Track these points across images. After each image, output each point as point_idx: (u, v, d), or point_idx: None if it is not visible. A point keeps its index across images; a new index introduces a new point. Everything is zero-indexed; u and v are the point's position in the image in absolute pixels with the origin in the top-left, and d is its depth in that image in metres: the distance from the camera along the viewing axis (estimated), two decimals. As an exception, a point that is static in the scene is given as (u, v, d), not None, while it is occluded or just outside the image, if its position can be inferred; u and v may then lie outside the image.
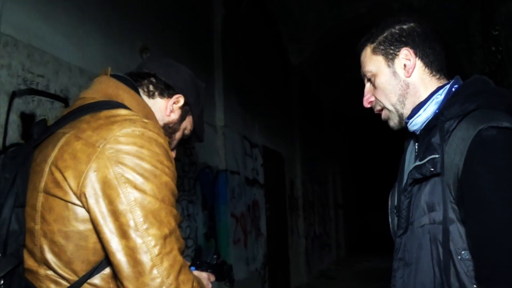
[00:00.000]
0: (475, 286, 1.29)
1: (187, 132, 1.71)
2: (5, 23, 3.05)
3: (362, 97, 1.68)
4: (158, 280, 1.20)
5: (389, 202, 1.69)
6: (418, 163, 1.45)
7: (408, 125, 1.57)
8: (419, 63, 1.55)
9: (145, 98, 1.57)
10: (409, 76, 1.54)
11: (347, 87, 12.83)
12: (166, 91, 1.61)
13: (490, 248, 1.26)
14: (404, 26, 1.56)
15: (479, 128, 1.30)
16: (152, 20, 5.04)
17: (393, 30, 1.57)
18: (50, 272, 1.27)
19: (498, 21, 6.25)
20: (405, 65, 1.54)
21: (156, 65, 1.65)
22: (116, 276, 1.24)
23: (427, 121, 1.50)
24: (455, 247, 1.33)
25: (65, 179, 1.24)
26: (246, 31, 7.73)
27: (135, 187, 1.23)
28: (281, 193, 9.58)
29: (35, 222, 1.27)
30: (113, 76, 1.53)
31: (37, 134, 1.42)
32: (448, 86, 1.51)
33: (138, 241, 1.20)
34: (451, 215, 1.34)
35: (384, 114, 1.63)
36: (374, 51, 1.59)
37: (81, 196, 1.23)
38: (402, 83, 1.55)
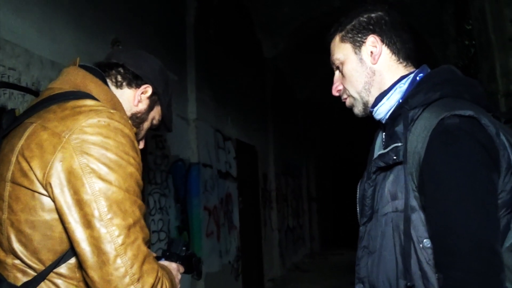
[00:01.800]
0: (437, 275, 1.27)
1: (155, 122, 1.72)
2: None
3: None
4: (122, 270, 1.20)
5: (358, 192, 1.67)
6: (381, 151, 1.47)
7: (373, 114, 1.57)
8: (385, 50, 1.55)
9: (113, 88, 1.57)
10: (376, 63, 1.54)
11: (322, 81, 12.85)
12: (134, 81, 1.61)
13: (448, 236, 1.25)
14: (372, 15, 1.57)
15: (442, 116, 1.29)
16: (125, 13, 5.00)
17: (361, 18, 1.57)
18: (17, 262, 1.28)
19: (472, 15, 6.32)
20: (371, 52, 1.55)
21: (124, 55, 1.64)
22: (81, 265, 1.24)
23: (391, 110, 1.51)
24: (416, 235, 1.32)
25: (31, 169, 1.25)
26: (219, 24, 7.71)
27: (100, 177, 1.23)
28: (254, 186, 9.61)
29: (3, 211, 1.28)
30: (81, 66, 1.53)
31: (6, 124, 1.42)
32: (412, 75, 1.52)
33: (102, 230, 1.21)
34: (413, 203, 1.34)
35: (348, 102, 1.63)
36: (342, 39, 1.60)
37: (47, 186, 1.23)
38: (368, 70, 1.55)
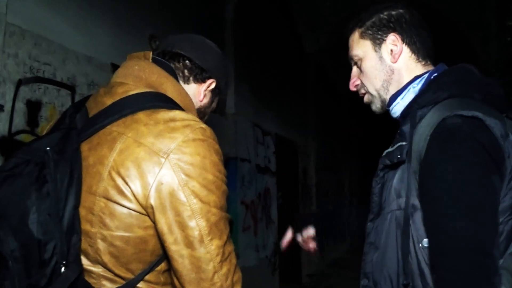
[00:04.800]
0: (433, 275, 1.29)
1: (212, 110, 1.72)
2: (11, 13, 3.11)
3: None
4: (218, 284, 1.28)
5: (372, 188, 1.66)
6: (389, 149, 1.47)
7: (390, 112, 1.58)
8: (405, 49, 1.55)
9: (180, 83, 1.54)
10: (395, 62, 1.54)
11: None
12: (200, 75, 1.58)
13: (440, 236, 1.25)
14: (393, 12, 1.56)
15: (444, 116, 1.28)
16: (161, 8, 5.05)
17: (381, 15, 1.57)
18: (105, 271, 1.30)
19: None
20: (391, 51, 1.55)
21: (188, 45, 1.60)
22: (177, 277, 1.30)
23: (404, 109, 1.51)
24: (417, 234, 1.32)
25: (130, 188, 1.25)
26: (259, 19, 7.72)
27: (201, 199, 1.26)
28: (294, 181, 9.60)
29: (92, 225, 1.27)
30: (153, 60, 1.51)
31: (80, 124, 1.38)
32: (426, 75, 1.51)
33: (203, 251, 1.26)
34: (416, 202, 1.33)
35: (366, 98, 1.65)
36: (362, 36, 1.59)
37: (147, 207, 1.25)
38: (387, 69, 1.56)
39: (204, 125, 1.34)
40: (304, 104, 10.40)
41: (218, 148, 1.35)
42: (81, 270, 1.26)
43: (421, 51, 1.55)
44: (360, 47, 1.60)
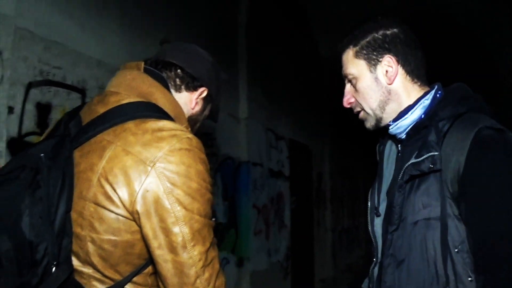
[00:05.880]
0: (470, 278, 1.38)
1: (205, 118, 1.77)
2: (21, 17, 3.16)
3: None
4: None
5: (369, 203, 1.76)
6: (415, 160, 1.49)
7: (390, 128, 1.61)
8: (401, 70, 1.59)
9: (172, 91, 1.60)
10: (391, 83, 1.59)
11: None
12: (192, 84, 1.63)
13: (493, 240, 1.35)
14: (387, 32, 1.59)
15: (478, 128, 1.39)
16: (173, 12, 5.08)
17: (376, 35, 1.59)
18: (95, 272, 1.35)
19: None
20: (387, 71, 1.58)
21: (180, 55, 1.65)
22: (161, 281, 1.36)
23: (413, 123, 1.56)
24: (452, 240, 1.40)
25: (117, 195, 1.31)
26: (272, 23, 7.72)
27: (184, 206, 1.32)
28: (308, 186, 9.58)
29: (82, 228, 1.33)
30: (145, 70, 1.56)
31: (74, 131, 1.44)
32: (433, 92, 1.58)
33: (185, 256, 1.32)
34: (449, 210, 1.41)
35: (361, 115, 1.68)
36: (357, 55, 1.62)
37: (134, 213, 1.31)
38: (383, 90, 1.60)
39: (190, 135, 1.39)
40: (319, 109, 10.37)
41: (204, 157, 1.40)
42: (72, 270, 1.32)
43: (415, 71, 1.60)
44: (355, 66, 1.63)
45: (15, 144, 3.10)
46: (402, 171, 1.53)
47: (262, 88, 7.16)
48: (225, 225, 6.03)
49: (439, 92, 1.58)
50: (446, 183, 1.42)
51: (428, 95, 1.57)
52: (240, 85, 6.62)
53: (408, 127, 1.58)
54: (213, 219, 1.72)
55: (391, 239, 1.56)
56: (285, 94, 8.23)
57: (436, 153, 1.43)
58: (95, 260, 1.34)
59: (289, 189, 8.30)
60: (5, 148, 3.04)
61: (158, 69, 1.59)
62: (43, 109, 3.36)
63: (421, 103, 1.56)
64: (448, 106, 1.49)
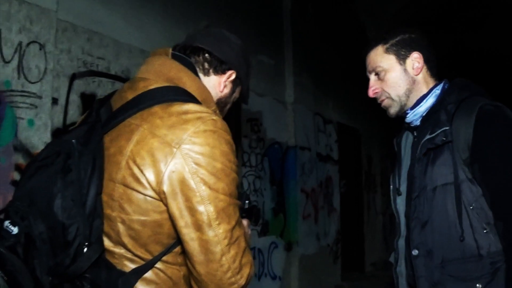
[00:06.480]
0: (485, 230, 1.73)
1: (234, 100, 1.79)
2: (63, 10, 3.29)
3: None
4: (226, 266, 1.37)
5: (391, 185, 2.10)
6: (429, 136, 1.83)
7: (407, 115, 1.96)
8: (424, 66, 1.95)
9: (201, 75, 1.63)
10: (417, 75, 1.94)
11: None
12: (220, 67, 1.66)
13: (504, 191, 1.71)
14: (413, 35, 1.96)
15: (480, 105, 1.76)
16: (216, -1, 5.09)
17: (404, 36, 1.95)
18: (126, 252, 1.41)
19: None
20: (414, 65, 1.93)
21: (208, 39, 1.67)
22: (188, 258, 1.41)
23: (428, 110, 1.91)
24: (467, 199, 1.75)
25: (145, 176, 1.35)
26: (318, 7, 7.65)
27: (209, 186, 1.35)
28: (357, 169, 9.52)
29: (112, 209, 1.38)
30: (173, 56, 1.60)
31: (103, 117, 1.50)
32: (442, 83, 1.96)
33: (211, 234, 1.36)
34: (462, 175, 1.76)
35: (386, 102, 1.99)
36: (387, 51, 1.95)
37: (160, 193, 1.36)
38: (410, 79, 1.94)
39: (216, 117, 1.42)
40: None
41: (229, 138, 1.43)
42: (103, 250, 1.38)
43: (434, 68, 1.98)
44: (385, 60, 1.95)
45: (60, 135, 3.22)
46: (420, 146, 1.86)
47: (308, 72, 7.15)
48: (273, 210, 6.10)
49: (447, 84, 1.95)
50: (458, 151, 1.76)
51: (438, 86, 1.94)
52: (286, 70, 6.63)
53: (423, 113, 1.92)
54: (246, 201, 1.79)
55: (415, 205, 1.87)
56: (332, 78, 8.18)
57: (447, 128, 1.78)
58: (126, 240, 1.38)
59: (338, 173, 8.28)
60: (50, 139, 3.16)
61: (186, 54, 1.62)
62: (88, 99, 3.50)
63: (433, 92, 1.92)
64: (454, 93, 1.86)
